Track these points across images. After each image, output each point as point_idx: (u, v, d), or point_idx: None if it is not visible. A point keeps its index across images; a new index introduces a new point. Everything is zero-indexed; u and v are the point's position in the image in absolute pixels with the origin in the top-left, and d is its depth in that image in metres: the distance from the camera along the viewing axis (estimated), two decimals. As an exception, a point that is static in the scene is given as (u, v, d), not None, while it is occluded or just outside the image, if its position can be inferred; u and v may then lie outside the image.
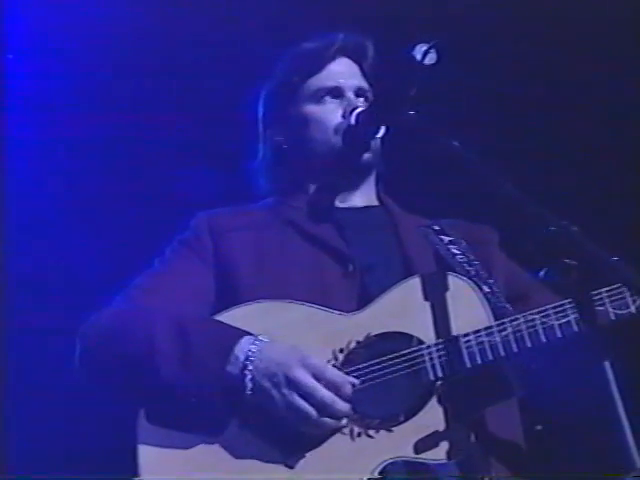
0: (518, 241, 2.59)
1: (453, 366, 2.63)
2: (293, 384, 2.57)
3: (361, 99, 3.11)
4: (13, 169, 4.41)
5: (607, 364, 2.22)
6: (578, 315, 2.56)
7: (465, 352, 2.64)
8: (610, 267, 2.29)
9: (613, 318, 2.64)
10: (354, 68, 3.19)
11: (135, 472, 2.62)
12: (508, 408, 2.78)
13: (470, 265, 2.93)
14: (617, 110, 4.45)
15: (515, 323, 2.66)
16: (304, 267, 2.91)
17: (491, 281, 2.88)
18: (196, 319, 2.80)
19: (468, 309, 2.71)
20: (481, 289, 2.77)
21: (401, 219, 3.12)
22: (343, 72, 3.16)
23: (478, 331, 2.66)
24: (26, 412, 4.25)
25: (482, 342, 2.65)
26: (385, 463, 2.57)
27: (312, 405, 2.57)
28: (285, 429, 2.60)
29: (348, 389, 2.60)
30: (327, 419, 2.58)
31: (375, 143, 3.05)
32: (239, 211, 3.16)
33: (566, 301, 2.64)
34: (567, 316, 2.63)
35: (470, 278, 2.81)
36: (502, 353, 2.64)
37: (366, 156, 3.05)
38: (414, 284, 2.77)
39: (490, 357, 2.64)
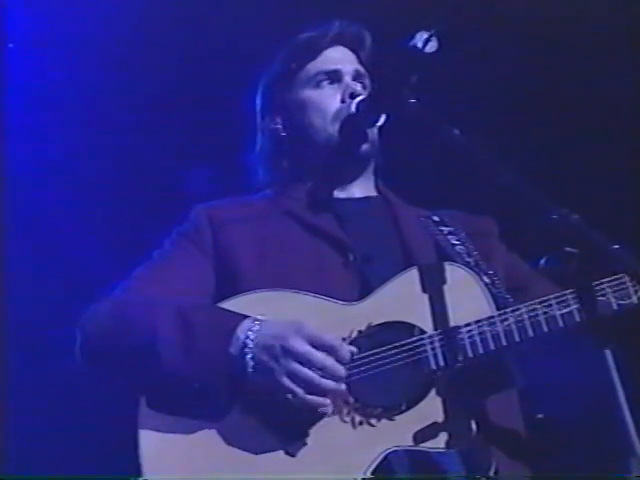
0: (519, 230, 2.58)
1: (455, 356, 2.63)
2: (290, 353, 2.57)
3: (359, 85, 3.10)
4: (12, 157, 4.42)
5: (608, 352, 2.21)
6: (579, 303, 2.56)
7: (467, 342, 2.64)
8: (611, 255, 2.29)
9: (615, 308, 2.64)
10: (351, 55, 3.19)
11: (136, 458, 2.62)
12: (508, 397, 2.78)
13: (470, 256, 2.93)
14: (618, 96, 4.45)
15: (517, 313, 2.66)
16: (304, 257, 2.92)
17: (491, 272, 2.88)
18: (197, 305, 2.80)
19: (470, 299, 2.71)
20: (482, 279, 2.77)
21: (400, 210, 3.12)
22: (341, 57, 3.16)
23: (480, 321, 2.66)
24: (27, 404, 4.26)
25: (484, 332, 2.64)
26: (386, 452, 2.57)
27: (312, 370, 2.57)
28: (287, 414, 2.60)
29: (344, 353, 2.60)
30: (328, 382, 2.57)
31: (374, 132, 3.04)
32: (238, 202, 3.16)
33: (568, 291, 2.64)
34: (569, 306, 2.63)
35: (470, 269, 2.80)
36: (504, 343, 2.64)
37: (365, 144, 3.04)
38: (415, 274, 2.76)
39: (492, 347, 2.63)
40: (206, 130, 4.44)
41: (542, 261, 2.36)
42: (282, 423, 2.61)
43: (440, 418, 2.58)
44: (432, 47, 2.60)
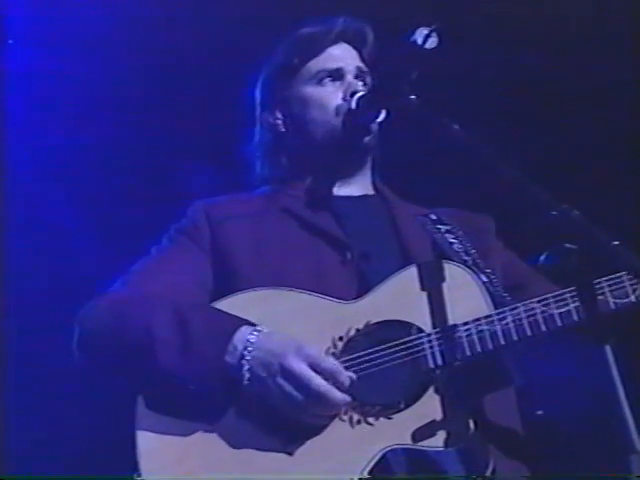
0: (519, 226, 2.57)
1: (453, 354, 2.62)
2: (288, 374, 2.56)
3: (361, 83, 3.10)
4: (12, 153, 4.41)
5: (608, 349, 2.20)
6: (578, 300, 2.56)
7: (465, 340, 2.63)
8: (611, 251, 2.28)
9: (613, 307, 2.65)
10: (353, 53, 3.18)
11: (134, 458, 2.61)
12: (506, 396, 2.77)
13: (467, 254, 2.93)
14: (619, 92, 4.44)
15: (515, 312, 2.66)
16: (302, 255, 2.91)
17: (488, 270, 2.87)
18: (195, 306, 2.79)
19: (468, 298, 2.71)
20: (479, 278, 2.76)
21: (398, 208, 3.12)
22: (343, 55, 3.15)
23: (478, 319, 2.65)
24: (26, 404, 4.25)
25: (482, 331, 2.64)
26: (385, 450, 2.56)
27: (308, 395, 2.55)
28: (284, 416, 2.59)
29: (344, 378, 2.58)
30: (322, 409, 2.57)
31: (373, 129, 3.04)
32: (236, 199, 3.15)
33: (566, 290, 2.64)
34: (567, 305, 2.63)
35: (468, 267, 2.80)
36: (502, 342, 2.63)
37: (365, 141, 3.03)
38: (413, 272, 2.76)
39: (490, 346, 2.63)
40: (205, 125, 4.43)
41: (542, 257, 2.34)
42: (278, 427, 2.60)
43: (438, 416, 2.57)
44: (432, 43, 2.60)
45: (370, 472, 2.54)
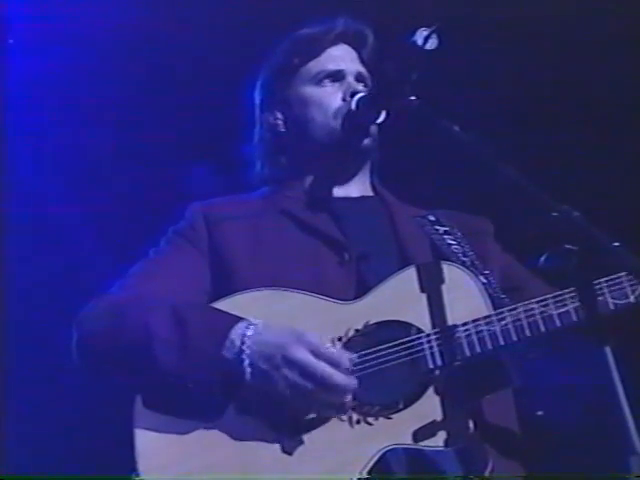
0: (519, 227, 2.58)
1: (452, 355, 2.63)
2: (292, 363, 2.55)
3: (361, 84, 3.10)
4: (12, 153, 4.41)
5: (608, 350, 2.20)
6: (578, 301, 2.56)
7: (464, 341, 2.64)
8: (611, 253, 2.28)
9: (612, 308, 2.65)
10: (353, 54, 3.18)
11: (132, 457, 2.60)
12: (503, 397, 2.77)
13: (465, 255, 2.93)
14: (619, 93, 4.44)
15: (514, 312, 2.66)
16: (300, 256, 2.91)
17: (487, 272, 2.88)
18: (192, 306, 2.79)
19: (467, 298, 2.71)
20: (478, 279, 2.77)
21: (396, 209, 3.12)
22: (343, 57, 3.16)
23: (477, 320, 2.65)
24: (25, 403, 4.25)
25: (481, 331, 2.64)
26: (384, 450, 2.56)
27: (313, 382, 2.55)
28: (283, 415, 2.59)
29: (347, 362, 2.59)
30: (330, 395, 2.56)
31: (373, 131, 3.04)
32: (234, 201, 3.15)
33: (566, 291, 2.64)
34: (566, 305, 2.64)
35: (467, 268, 2.80)
36: (501, 342, 2.64)
37: (365, 142, 3.04)
38: (412, 273, 2.76)
39: (489, 346, 2.63)
40: (205, 126, 4.42)
41: (542, 258, 2.34)
42: (279, 422, 2.60)
43: (437, 417, 2.58)
44: (432, 44, 2.60)
45: (369, 472, 2.54)
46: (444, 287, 2.70)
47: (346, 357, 2.60)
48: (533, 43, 4.44)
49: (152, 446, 2.61)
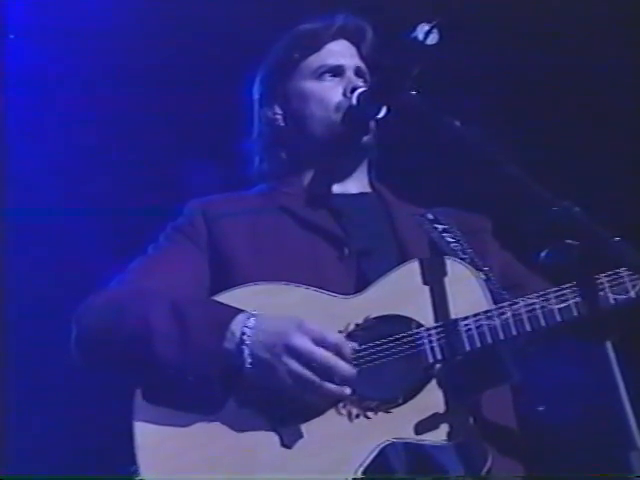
0: (519, 222, 2.57)
1: (452, 349, 2.63)
2: (293, 351, 2.56)
3: (361, 80, 3.10)
4: (12, 150, 4.41)
5: (609, 346, 2.20)
6: (579, 296, 2.57)
7: (464, 335, 2.64)
8: (612, 248, 2.28)
9: (613, 303, 2.65)
10: (353, 50, 3.18)
11: (132, 450, 2.60)
12: (502, 393, 2.78)
13: (464, 253, 2.93)
14: (620, 89, 4.45)
15: (515, 307, 2.66)
16: (299, 251, 2.91)
17: (486, 268, 2.87)
18: (192, 299, 2.79)
19: (467, 293, 2.71)
20: (478, 275, 2.77)
21: (395, 207, 3.12)
22: (343, 52, 3.16)
23: (477, 314, 2.66)
24: (25, 398, 4.25)
25: (481, 326, 2.65)
26: (383, 445, 2.56)
27: (314, 369, 2.55)
28: (283, 407, 2.59)
29: (348, 350, 2.59)
30: (330, 384, 2.56)
31: (372, 127, 3.04)
32: (233, 197, 3.16)
33: (566, 285, 2.64)
34: (567, 300, 2.64)
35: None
36: (501, 337, 2.64)
37: (366, 136, 3.04)
38: (413, 268, 2.76)
39: (489, 340, 2.63)
40: (204, 122, 4.43)
41: (543, 254, 2.34)
42: (279, 415, 2.60)
43: (437, 411, 2.58)
44: (433, 39, 2.59)
45: (369, 466, 2.54)
46: (446, 281, 2.70)
47: (348, 345, 2.60)
48: (534, 38, 4.45)
49: (152, 439, 2.61)
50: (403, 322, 2.68)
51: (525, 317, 2.65)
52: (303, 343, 2.56)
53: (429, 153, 3.20)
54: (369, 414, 2.60)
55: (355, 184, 3.15)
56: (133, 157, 4.49)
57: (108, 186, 4.49)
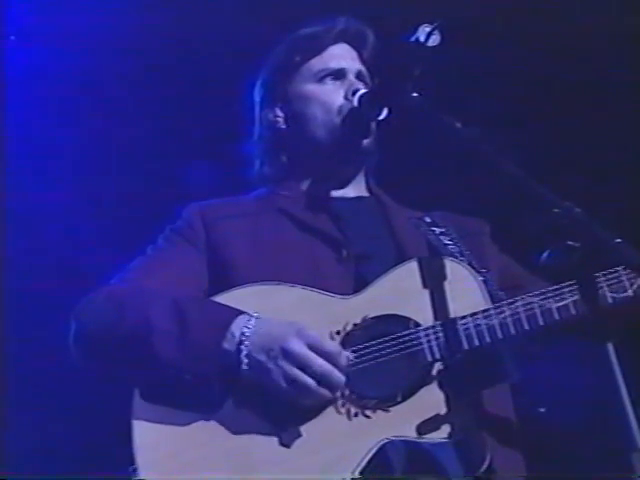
0: (520, 224, 2.58)
1: (450, 348, 2.63)
2: (289, 355, 2.57)
3: (361, 83, 3.11)
4: (13, 152, 4.40)
5: (610, 346, 2.20)
6: (580, 297, 2.57)
7: (462, 334, 2.65)
8: (613, 249, 2.29)
9: (611, 302, 2.66)
10: (354, 53, 3.19)
11: (130, 449, 2.60)
12: (501, 393, 2.79)
13: (462, 255, 2.93)
14: (620, 89, 4.46)
15: (513, 306, 2.67)
16: (297, 254, 2.91)
17: (484, 270, 2.88)
18: (192, 298, 2.80)
19: (466, 293, 2.72)
20: (476, 276, 2.78)
21: (392, 210, 3.13)
22: (344, 55, 3.16)
23: (476, 314, 2.66)
24: (25, 397, 4.25)
25: (479, 325, 2.65)
26: (382, 443, 2.57)
27: (309, 376, 2.56)
28: (281, 407, 2.60)
29: (344, 359, 2.60)
30: (324, 390, 2.58)
31: (373, 130, 3.04)
32: (231, 201, 3.16)
33: (565, 284, 2.65)
34: (565, 299, 2.64)
35: None
36: (500, 335, 2.65)
37: (365, 141, 3.04)
38: (411, 268, 2.77)
39: (487, 339, 2.64)
40: (205, 124, 4.43)
41: (544, 255, 2.35)
42: (276, 415, 2.61)
43: (436, 410, 2.58)
44: (434, 41, 2.61)
45: (367, 464, 2.55)
46: (446, 281, 2.71)
47: (344, 355, 2.61)
48: (536, 39, 4.46)
49: (150, 438, 2.61)
50: (401, 321, 2.69)
51: (523, 316, 2.65)
52: (299, 348, 2.58)
53: (430, 155, 3.20)
54: (368, 412, 2.61)
55: (353, 188, 3.15)
56: (133, 159, 4.49)
57: (108, 188, 4.49)
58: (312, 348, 2.58)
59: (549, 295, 2.66)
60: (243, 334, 2.60)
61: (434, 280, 2.72)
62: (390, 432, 2.57)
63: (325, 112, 3.06)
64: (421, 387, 2.62)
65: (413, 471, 2.59)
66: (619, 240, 2.27)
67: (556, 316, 2.65)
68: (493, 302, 2.71)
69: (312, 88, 3.11)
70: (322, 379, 2.57)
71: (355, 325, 2.70)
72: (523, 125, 4.40)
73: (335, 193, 3.12)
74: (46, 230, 4.46)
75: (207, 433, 2.60)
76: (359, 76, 3.13)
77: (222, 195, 3.21)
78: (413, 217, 3.10)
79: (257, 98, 3.26)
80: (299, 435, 2.59)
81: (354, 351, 2.66)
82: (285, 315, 2.67)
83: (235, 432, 2.60)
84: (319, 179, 3.13)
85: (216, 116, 4.19)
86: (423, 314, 2.69)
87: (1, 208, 4.37)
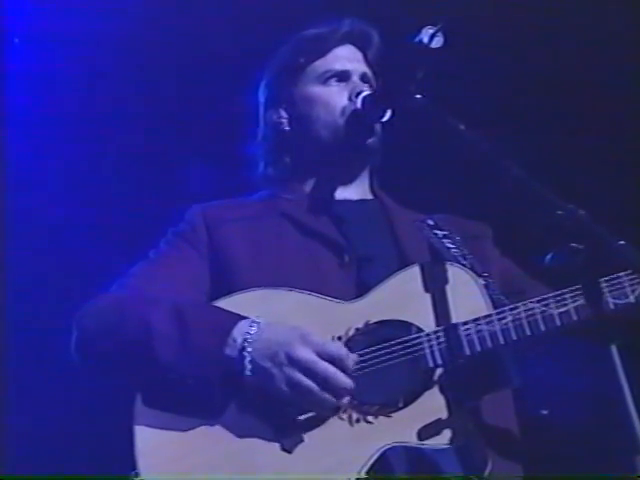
0: (523, 226, 2.56)
1: (452, 354, 2.62)
2: (295, 361, 2.56)
3: (366, 85, 3.10)
4: (15, 152, 4.40)
5: (614, 349, 2.19)
6: (584, 299, 2.55)
7: (464, 340, 2.63)
8: (617, 251, 2.29)
9: (612, 308, 2.64)
10: (359, 55, 3.19)
11: (132, 455, 2.59)
12: (503, 398, 2.78)
13: (465, 259, 2.92)
14: (624, 92, 4.44)
15: (515, 312, 2.66)
16: (300, 258, 2.91)
17: (486, 274, 2.87)
18: (193, 304, 2.79)
19: (467, 298, 2.71)
20: (478, 280, 2.77)
21: (395, 213, 3.12)
22: (349, 57, 3.16)
23: (477, 319, 2.65)
24: (25, 401, 4.24)
25: (481, 330, 2.64)
26: (384, 449, 2.56)
27: (314, 381, 2.55)
28: (284, 413, 2.59)
29: (350, 363, 2.59)
30: (329, 396, 2.56)
31: (377, 132, 3.04)
32: (234, 203, 3.15)
33: (566, 290, 2.64)
34: (566, 305, 2.63)
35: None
36: (501, 341, 2.64)
37: (371, 140, 3.03)
38: (413, 273, 2.76)
39: (489, 345, 2.63)
40: (208, 126, 4.43)
41: (548, 257, 2.34)
42: (279, 421, 2.60)
43: (437, 415, 2.57)
44: (438, 42, 2.60)
45: (369, 470, 2.54)
46: (447, 286, 2.70)
47: (350, 358, 2.60)
48: (539, 41, 4.45)
49: (152, 444, 2.60)
50: (403, 327, 2.68)
51: (525, 322, 2.64)
52: (305, 354, 2.56)
53: (433, 157, 3.19)
54: (369, 418, 2.60)
55: (357, 190, 3.15)
56: (136, 161, 4.49)
57: (110, 190, 4.49)
58: (318, 353, 2.57)
59: (550, 301, 2.65)
60: (245, 340, 2.58)
61: (436, 285, 2.71)
62: (392, 438, 2.56)
63: (329, 113, 3.05)
64: (423, 393, 2.61)
65: (415, 477, 2.58)
66: (623, 242, 2.27)
67: (558, 322, 2.63)
68: (494, 306, 2.71)
69: (316, 90, 3.11)
70: (327, 384, 2.55)
71: (357, 330, 2.68)
72: (526, 127, 4.39)
73: (339, 195, 3.11)
74: (47, 233, 4.45)
75: (209, 438, 2.59)
76: (363, 78, 3.12)
77: (226, 196, 3.20)
78: (416, 220, 3.09)
79: (261, 99, 3.25)
80: (301, 441, 2.58)
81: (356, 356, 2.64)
82: (287, 320, 2.66)
83: (237, 438, 2.59)
84: (323, 180, 3.13)
85: (220, 117, 4.18)
86: (425, 319, 2.68)
87: (1, 209, 4.36)
